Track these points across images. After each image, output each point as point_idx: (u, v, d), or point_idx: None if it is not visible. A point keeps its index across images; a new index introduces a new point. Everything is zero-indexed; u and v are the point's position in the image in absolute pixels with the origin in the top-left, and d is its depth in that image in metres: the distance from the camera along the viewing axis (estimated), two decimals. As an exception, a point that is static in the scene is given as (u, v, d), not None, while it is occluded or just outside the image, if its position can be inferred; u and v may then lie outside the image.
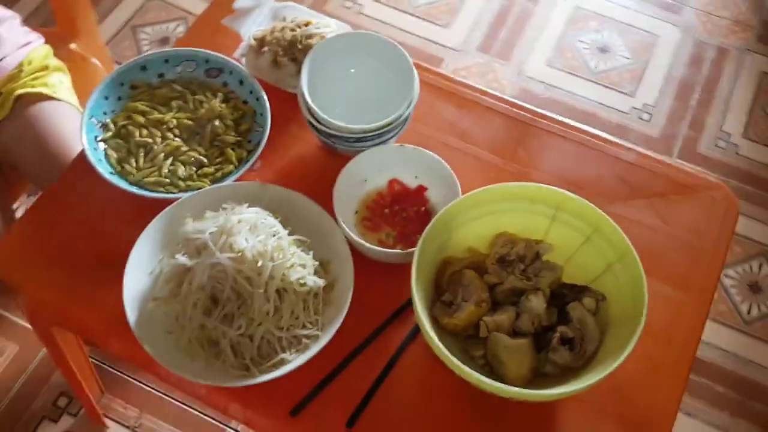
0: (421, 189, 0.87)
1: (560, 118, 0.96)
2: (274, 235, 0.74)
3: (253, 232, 0.73)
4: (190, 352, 0.73)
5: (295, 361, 0.72)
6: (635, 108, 1.74)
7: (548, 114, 0.96)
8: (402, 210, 0.86)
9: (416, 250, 0.72)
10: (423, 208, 0.86)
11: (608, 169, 0.91)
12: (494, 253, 0.80)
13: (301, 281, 0.74)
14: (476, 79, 1.77)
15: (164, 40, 1.83)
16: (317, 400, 0.74)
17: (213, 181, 0.85)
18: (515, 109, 0.97)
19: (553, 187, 0.77)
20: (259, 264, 0.71)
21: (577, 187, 0.89)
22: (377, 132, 0.83)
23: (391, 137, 0.86)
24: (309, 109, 0.85)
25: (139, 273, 0.77)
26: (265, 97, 0.89)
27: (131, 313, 0.74)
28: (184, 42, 1.00)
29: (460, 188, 0.82)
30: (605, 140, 0.93)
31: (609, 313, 0.75)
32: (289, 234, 0.76)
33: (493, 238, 0.81)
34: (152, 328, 0.74)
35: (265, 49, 0.92)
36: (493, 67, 1.80)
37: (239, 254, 0.71)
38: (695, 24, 1.89)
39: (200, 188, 0.83)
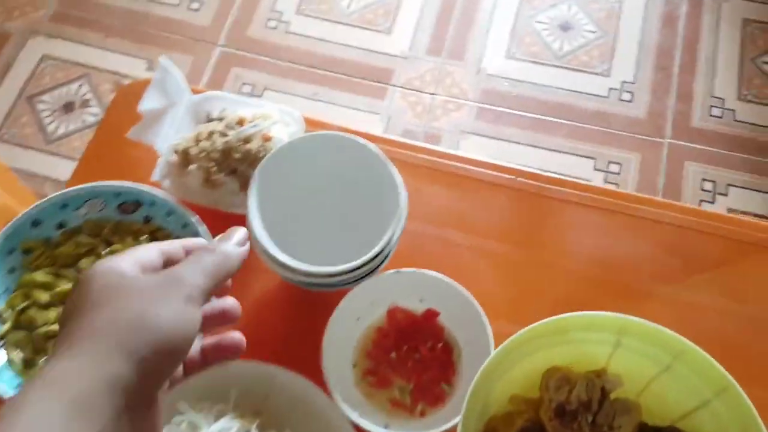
0: (431, 315, 0.67)
1: (575, 180, 0.76)
2: None
3: None
4: None
5: None
6: (613, 89, 1.56)
7: (555, 177, 0.76)
8: (413, 350, 0.66)
9: (461, 418, 0.53)
10: (439, 342, 0.66)
11: (650, 238, 0.71)
12: (548, 401, 0.60)
13: None
14: (433, 87, 1.56)
15: (68, 106, 1.56)
16: None
17: None
18: (521, 179, 0.76)
19: (613, 314, 0.57)
20: None
21: (616, 269, 0.71)
22: (361, 268, 0.62)
23: (380, 265, 0.66)
24: (267, 254, 0.63)
25: None
26: (206, 230, 0.67)
27: None
28: (81, 172, 0.77)
29: (484, 315, 0.62)
30: (637, 199, 0.74)
31: (715, 460, 0.57)
32: None
33: (543, 378, 0.61)
34: None
35: (193, 166, 0.69)
36: (448, 71, 1.59)
37: None
38: (657, -23, 1.71)
39: None
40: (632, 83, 1.56)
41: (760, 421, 0.53)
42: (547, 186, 0.76)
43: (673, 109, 1.53)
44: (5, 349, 0.65)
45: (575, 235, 0.73)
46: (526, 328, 0.58)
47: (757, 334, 0.66)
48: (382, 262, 0.65)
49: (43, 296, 0.66)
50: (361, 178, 0.68)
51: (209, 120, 0.74)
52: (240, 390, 0.60)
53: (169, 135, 0.72)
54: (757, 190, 1.42)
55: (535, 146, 1.50)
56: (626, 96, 1.54)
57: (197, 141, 0.70)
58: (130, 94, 0.78)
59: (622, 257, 0.71)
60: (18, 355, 0.64)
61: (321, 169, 0.69)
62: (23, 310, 0.66)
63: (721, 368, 0.55)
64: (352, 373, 0.65)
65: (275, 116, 0.72)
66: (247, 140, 0.69)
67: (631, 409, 0.60)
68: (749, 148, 1.47)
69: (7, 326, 0.66)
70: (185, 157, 0.70)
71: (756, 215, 1.39)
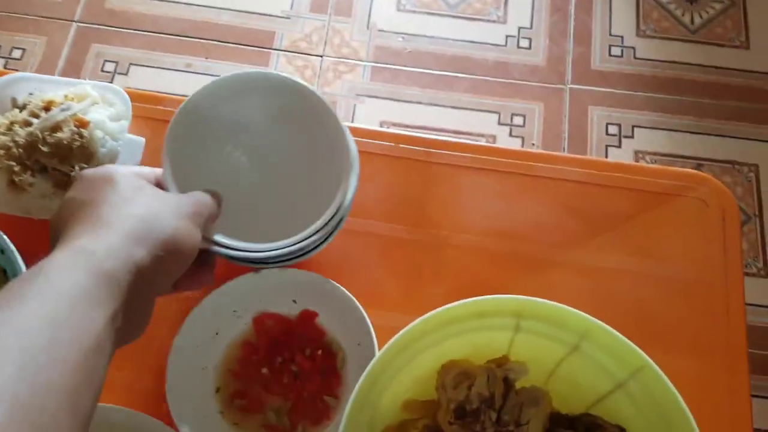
0: (307, 317, 0.56)
1: (467, 141, 0.67)
2: None
3: None
4: None
5: None
6: (510, 36, 1.47)
7: (447, 140, 0.66)
8: (289, 361, 0.56)
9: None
10: (319, 346, 0.56)
11: (554, 199, 0.63)
12: (446, 402, 0.51)
13: None
14: (322, 49, 1.44)
15: None
16: None
17: None
18: (403, 145, 0.66)
19: (508, 297, 0.48)
20: None
21: (521, 239, 0.62)
22: (301, 244, 0.51)
23: (328, 237, 0.54)
24: None
25: None
26: (11, 247, 0.54)
27: None
28: None
29: (363, 312, 0.52)
30: (536, 156, 0.65)
31: (636, 446, 0.50)
32: None
33: (439, 376, 0.52)
34: None
35: (-10, 167, 0.56)
36: (336, 29, 1.47)
37: None
38: None
39: None
40: (529, 29, 1.48)
41: (680, 399, 0.45)
42: (434, 151, 0.66)
43: (572, 52, 1.46)
44: None
45: (470, 205, 0.63)
46: (411, 325, 0.48)
47: (673, 293, 0.59)
48: (332, 233, 0.54)
49: None
50: (300, 130, 0.55)
51: (14, 108, 0.60)
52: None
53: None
54: (662, 129, 1.38)
55: (436, 104, 1.41)
56: (524, 43, 1.47)
57: (-5, 134, 0.56)
58: None
59: (523, 224, 0.63)
60: None
61: (248, 122, 0.56)
62: None
63: (634, 346, 0.47)
64: (216, 399, 0.54)
65: (93, 96, 0.59)
66: (56, 128, 0.56)
67: (540, 399, 0.52)
68: (651, 86, 1.42)
69: None
70: (-19, 157, 0.56)
71: (663, 154, 1.35)
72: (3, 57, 1.39)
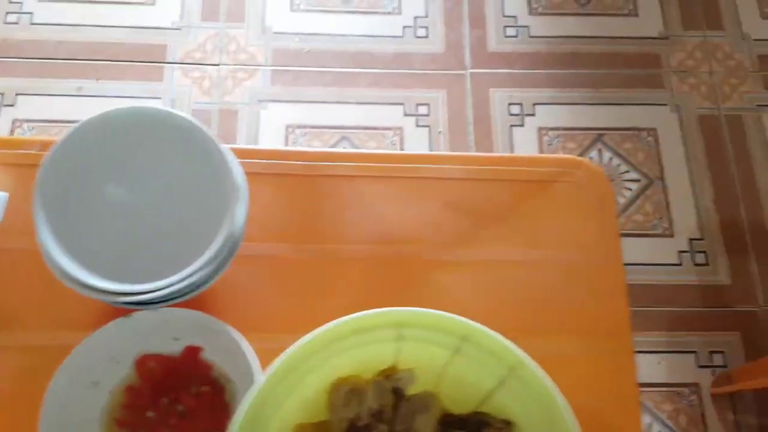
0: (191, 353, 0.55)
1: (354, 151, 0.66)
2: None
3: None
4: None
5: None
6: (407, 26, 1.47)
7: (330, 151, 0.66)
8: (175, 401, 0.54)
9: None
10: (208, 382, 0.55)
11: (434, 200, 0.63)
12: (338, 422, 0.51)
13: None
14: (217, 57, 1.41)
15: None
16: None
17: None
18: (275, 160, 0.65)
19: (386, 310, 0.48)
20: None
21: (408, 243, 0.62)
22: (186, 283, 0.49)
23: (225, 257, 0.52)
24: (59, 270, 0.48)
25: None
26: None
27: None
28: None
29: (241, 339, 0.51)
30: (417, 158, 0.65)
31: (525, 437, 0.51)
32: None
33: (329, 396, 0.52)
34: None
35: None
36: (231, 36, 1.44)
37: None
38: None
39: None
40: (425, 17, 1.48)
41: (554, 393, 0.46)
42: (316, 163, 0.65)
43: (469, 36, 1.47)
44: None
45: (356, 215, 0.63)
46: (292, 349, 0.48)
47: (558, 277, 0.61)
48: (224, 264, 0.52)
49: None
50: (182, 162, 0.53)
51: None
52: None
53: None
54: (562, 104, 1.41)
55: (341, 102, 1.40)
56: (421, 32, 1.47)
57: None
58: None
59: (410, 228, 0.63)
60: None
61: (126, 159, 0.53)
62: None
63: (509, 344, 0.48)
64: (104, 448, 0.53)
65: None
66: None
67: (430, 404, 0.52)
68: (548, 63, 1.45)
69: None
70: None
71: (565, 128, 1.38)
72: None
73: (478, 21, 1.49)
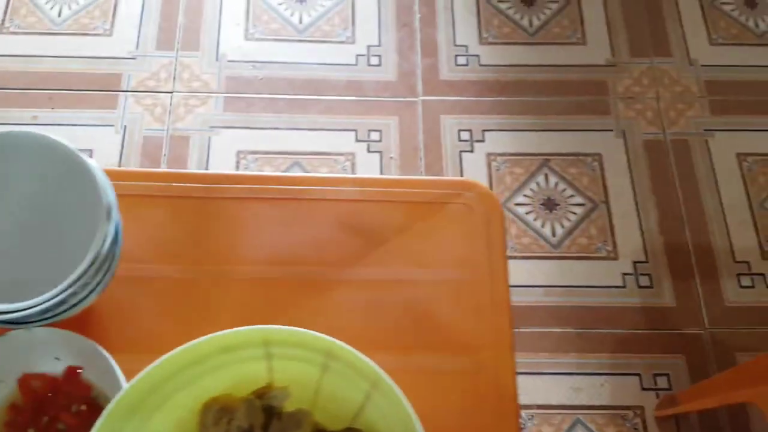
0: (72, 372, 0.56)
1: (246, 173, 0.68)
2: None
3: None
4: None
5: None
6: (360, 55, 1.50)
7: (228, 173, 0.67)
8: (55, 420, 0.55)
9: None
10: (88, 402, 0.55)
11: (327, 219, 0.64)
12: (209, 439, 0.52)
13: None
14: (171, 84, 1.43)
15: None
16: None
17: None
18: (177, 183, 0.66)
19: (250, 328, 0.49)
20: None
21: (299, 264, 0.63)
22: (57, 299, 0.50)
23: (104, 276, 0.53)
24: None
25: None
26: None
27: None
28: None
29: (114, 364, 0.52)
30: (313, 180, 0.67)
31: (396, 454, 0.52)
32: None
33: (200, 416, 0.53)
34: None
35: None
36: (184, 64, 1.46)
37: None
38: (387, -67, 1.66)
39: None
40: (378, 46, 1.51)
41: (409, 411, 0.47)
42: (211, 186, 0.66)
43: (421, 65, 1.50)
44: None
45: (250, 236, 0.64)
46: (150, 366, 0.48)
47: (446, 295, 0.62)
48: (99, 283, 0.53)
49: None
50: (55, 185, 0.55)
51: None
52: None
53: None
54: (510, 130, 1.43)
55: (293, 128, 1.42)
56: (374, 60, 1.50)
57: None
58: None
59: (303, 248, 0.64)
60: None
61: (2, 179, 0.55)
62: None
63: (368, 361, 0.49)
64: (-17, 467, 0.53)
65: None
66: None
67: (301, 421, 0.53)
68: (498, 90, 1.47)
69: None
70: None
71: (512, 154, 1.40)
72: None
73: (430, 50, 1.52)
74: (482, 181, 1.37)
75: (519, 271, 1.30)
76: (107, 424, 0.46)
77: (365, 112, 1.44)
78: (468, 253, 0.63)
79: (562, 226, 1.35)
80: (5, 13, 1.46)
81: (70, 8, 1.50)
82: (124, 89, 1.42)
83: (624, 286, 1.29)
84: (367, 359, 0.49)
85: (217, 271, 0.62)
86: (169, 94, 1.43)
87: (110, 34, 1.48)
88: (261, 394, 0.53)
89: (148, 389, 0.49)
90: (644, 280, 1.29)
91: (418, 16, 1.56)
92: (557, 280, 1.30)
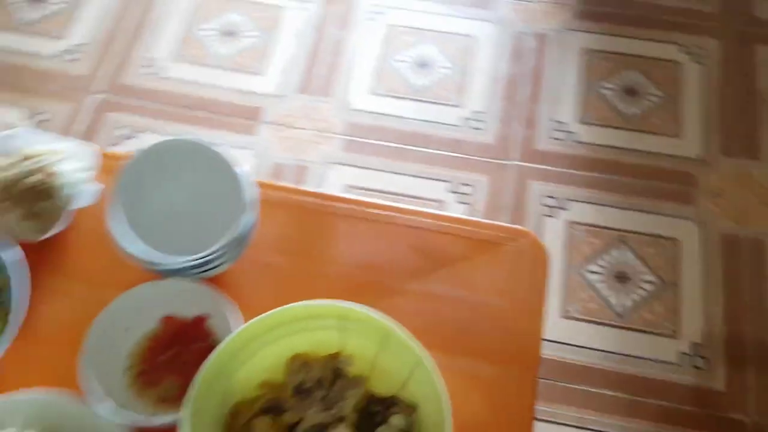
0: (200, 320, 0.75)
1: (350, 196, 0.86)
2: None
3: None
4: None
5: None
6: (466, 118, 1.69)
7: (335, 195, 0.86)
8: (183, 351, 0.74)
9: (183, 414, 0.61)
10: (207, 343, 0.74)
11: (404, 242, 0.81)
12: (289, 382, 0.69)
13: None
14: (303, 122, 1.67)
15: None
16: None
17: None
18: (300, 197, 0.86)
19: (330, 302, 0.66)
20: None
21: (376, 270, 0.80)
22: (209, 257, 0.70)
23: (231, 256, 0.74)
24: (121, 247, 0.71)
25: None
26: (5, 245, 0.74)
27: None
28: None
29: (237, 317, 0.71)
30: (399, 209, 0.84)
31: (423, 422, 0.66)
32: None
33: (287, 364, 0.70)
34: None
35: (-23, 196, 0.77)
36: (317, 107, 1.70)
37: None
38: (510, 16, 1.86)
39: None
40: (483, 113, 1.69)
41: (439, 388, 0.61)
42: (324, 202, 0.85)
43: (520, 134, 1.66)
44: None
45: (345, 244, 0.82)
46: (252, 321, 0.66)
47: (483, 316, 0.76)
48: (239, 249, 0.73)
49: None
50: (211, 179, 0.76)
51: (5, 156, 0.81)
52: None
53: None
54: (594, 203, 1.55)
55: (395, 172, 1.61)
56: (477, 124, 1.67)
57: (-14, 175, 0.78)
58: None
59: (381, 261, 0.81)
60: None
61: (176, 173, 0.77)
62: None
63: (414, 346, 0.64)
64: (125, 377, 0.72)
65: (66, 152, 0.81)
66: (28, 174, 0.77)
67: (358, 383, 0.69)
68: (588, 166, 1.60)
69: None
70: (-26, 189, 0.77)
71: (592, 225, 1.52)
72: (38, 118, 1.66)
73: (530, 122, 1.68)
74: (559, 246, 1.50)
75: (581, 332, 1.41)
76: (216, 361, 0.64)
77: (460, 168, 1.61)
78: (512, 288, 0.78)
79: (630, 299, 1.44)
80: (374, 78, 1.73)
81: (230, 48, 1.79)
82: (264, 121, 1.68)
83: (679, 364, 1.36)
84: (414, 344, 0.64)
85: (315, 265, 0.80)
86: (300, 130, 1.67)
87: (260, 74, 1.75)
88: (332, 357, 0.70)
89: (249, 338, 0.66)
90: (699, 362, 1.36)
91: (525, 91, 1.73)
92: (616, 347, 1.39)
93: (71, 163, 0.80)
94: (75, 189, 0.79)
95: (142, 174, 0.76)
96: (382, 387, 0.70)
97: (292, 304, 0.67)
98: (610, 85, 1.72)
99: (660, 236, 1.51)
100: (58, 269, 0.80)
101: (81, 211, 0.82)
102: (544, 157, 1.62)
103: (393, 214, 0.83)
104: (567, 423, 1.32)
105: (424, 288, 0.78)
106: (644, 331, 1.40)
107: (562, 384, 1.35)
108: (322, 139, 1.66)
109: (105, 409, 0.66)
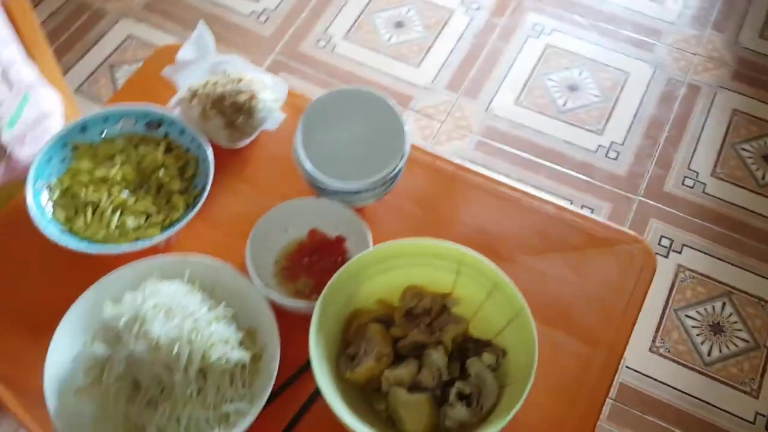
0: (340, 240, 0.89)
1: (485, 171, 0.98)
2: (190, 316, 0.74)
3: (169, 316, 0.73)
4: (118, 441, 0.73)
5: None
6: (602, 146, 1.75)
7: (470, 167, 0.97)
8: (320, 260, 0.88)
9: (317, 303, 0.74)
10: (341, 259, 0.88)
11: (526, 221, 0.92)
12: (403, 306, 0.81)
13: (224, 358, 0.74)
14: (444, 117, 1.80)
15: (143, 79, 1.88)
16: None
17: (163, 229, 0.88)
18: (438, 162, 0.98)
19: (454, 245, 0.78)
20: (175, 350, 0.71)
21: (494, 238, 0.90)
22: (367, 187, 0.85)
23: (380, 192, 0.88)
24: (300, 160, 0.87)
25: (62, 359, 0.76)
26: (207, 144, 0.92)
27: (52, 401, 0.73)
28: (126, 91, 1.04)
29: (371, 241, 0.84)
30: (525, 193, 0.94)
31: (510, 367, 0.76)
32: (212, 307, 0.77)
33: (403, 291, 0.82)
34: (77, 419, 0.73)
35: (195, 101, 0.95)
36: (460, 106, 1.83)
37: (154, 342, 0.71)
38: (668, 61, 1.90)
39: (151, 237, 0.86)
40: (620, 144, 1.75)
41: (535, 342, 0.71)
42: (460, 172, 0.97)
43: (651, 172, 1.70)
44: (53, 209, 0.89)
45: (471, 210, 0.94)
46: (384, 244, 0.78)
47: (585, 301, 0.85)
48: (387, 188, 0.88)
49: (84, 178, 0.91)
50: (378, 122, 0.90)
51: (223, 74, 0.99)
52: (188, 279, 0.81)
53: (189, 79, 0.99)
54: (706, 254, 1.57)
55: (521, 181, 1.70)
56: (612, 154, 1.73)
57: (205, 86, 0.96)
58: (163, 53, 1.06)
59: (501, 232, 0.91)
60: (61, 214, 0.89)
61: (350, 114, 0.92)
62: (69, 186, 0.91)
63: (519, 295, 0.74)
64: (273, 267, 0.88)
65: (267, 83, 0.98)
66: (237, 93, 0.94)
67: (460, 322, 0.80)
68: (710, 218, 1.62)
69: (56, 194, 0.91)
70: (193, 95, 0.96)
71: (701, 274, 1.54)
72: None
73: (664, 163, 1.72)
74: (664, 286, 1.54)
75: (665, 369, 1.44)
76: (348, 270, 0.77)
77: (585, 190, 1.68)
78: (617, 283, 0.86)
79: (720, 351, 1.46)
80: (522, 90, 1.88)
81: (398, 38, 1.95)
82: (412, 108, 1.82)
83: (753, 422, 1.36)
84: (517, 293, 0.75)
85: (442, 220, 0.92)
86: (440, 123, 1.80)
87: (418, 66, 1.90)
88: (443, 295, 0.82)
89: (377, 259, 0.79)
90: (778, 429, 1.36)
91: (665, 134, 1.77)
92: (696, 392, 1.41)
93: (268, 92, 0.97)
94: (268, 113, 0.96)
95: (324, 110, 0.90)
96: (479, 332, 0.80)
97: (419, 239, 0.79)
98: (749, 148, 1.73)
99: (765, 301, 1.51)
100: (237, 174, 0.96)
101: (264, 133, 0.98)
102: (670, 199, 1.66)
103: (520, 196, 0.94)
104: (632, 449, 1.36)
105: (534, 264, 0.88)
106: (727, 384, 1.41)
107: (637, 412, 1.39)
108: (458, 135, 1.78)
109: (258, 283, 0.81)
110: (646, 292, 0.86)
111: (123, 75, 1.89)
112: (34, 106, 1.09)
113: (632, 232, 0.91)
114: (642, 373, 1.44)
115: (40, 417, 0.75)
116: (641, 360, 1.45)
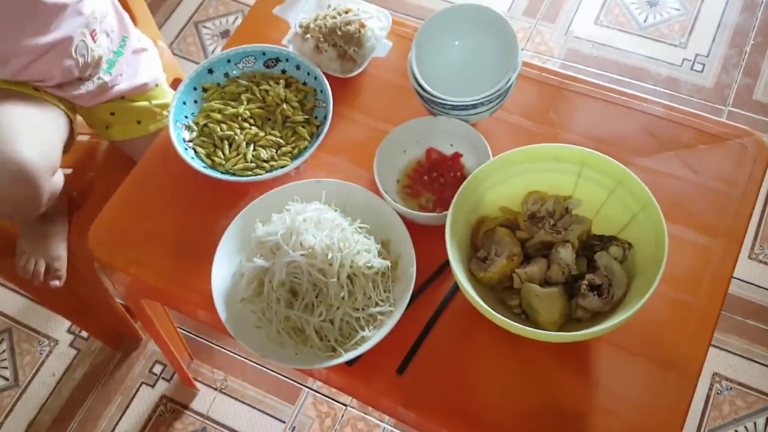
0: (456, 156, 0.94)
1: (588, 78, 1.00)
2: (337, 227, 0.81)
3: (318, 227, 0.80)
4: (280, 342, 0.81)
5: (374, 337, 0.79)
6: (687, 59, 1.72)
7: (576, 76, 1.00)
8: (440, 176, 0.93)
9: (449, 211, 0.80)
10: (459, 174, 0.93)
11: (636, 124, 0.94)
12: (525, 210, 0.86)
13: (368, 265, 0.81)
14: (523, 44, 1.80)
15: (225, 33, 1.95)
16: (371, 351, 0.81)
17: (292, 158, 0.94)
18: (545, 74, 1.01)
19: (576, 146, 0.82)
20: (329, 256, 0.78)
21: (606, 143, 0.94)
22: (483, 99, 0.88)
23: (494, 105, 0.91)
24: (415, 79, 0.91)
25: (223, 273, 0.85)
26: (323, 75, 0.98)
27: (222, 313, 0.82)
28: (238, 35, 1.10)
29: (491, 153, 0.88)
30: (632, 96, 0.97)
31: (636, 259, 0.80)
32: (350, 223, 0.84)
33: (524, 197, 0.87)
34: (243, 324, 0.82)
35: (308, 36, 1.00)
36: (539, 31, 1.82)
37: (310, 250, 0.78)
38: (750, -33, 1.84)
39: (283, 166, 0.93)
40: (705, 56, 1.72)
41: (665, 229, 0.75)
42: (566, 81, 1.00)
43: (739, 82, 1.67)
44: (194, 148, 0.97)
45: (580, 117, 0.97)
46: (509, 151, 0.83)
47: (701, 195, 0.88)
48: (501, 100, 0.91)
49: (217, 116, 0.98)
50: (490, 39, 0.94)
51: (328, 8, 1.04)
52: (324, 201, 0.87)
53: (299, 16, 1.04)
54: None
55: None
56: (698, 67, 1.71)
57: (315, 20, 1.01)
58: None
59: (612, 136, 0.95)
60: (201, 151, 0.97)
61: (462, 31, 0.95)
62: (205, 125, 0.99)
63: (645, 187, 0.78)
64: (396, 185, 0.94)
65: (372, 12, 1.02)
66: (347, 23, 0.99)
67: (584, 221, 0.84)
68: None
69: (194, 134, 0.98)
70: (305, 30, 1.01)
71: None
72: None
73: (752, 72, 1.68)
74: (763, 190, 1.53)
75: (764, 275, 1.45)
76: (472, 180, 0.82)
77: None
78: (731, 176, 0.88)
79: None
80: (601, 9, 1.85)
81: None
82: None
83: None
84: (643, 185, 0.78)
85: (553, 130, 0.96)
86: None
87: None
88: (564, 198, 0.86)
89: (498, 167, 0.83)
90: None
91: (751, 42, 1.72)
92: None
93: (374, 21, 1.01)
94: (376, 42, 1.00)
95: (436, 29, 0.94)
96: (600, 230, 0.84)
97: (539, 144, 0.83)
98: None
99: None
100: (352, 103, 1.02)
101: (373, 62, 1.03)
102: (761, 107, 1.63)
103: (628, 99, 0.96)
104: (735, 352, 1.39)
105: (648, 164, 0.91)
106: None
107: (738, 317, 1.42)
108: (540, 61, 1.78)
109: (389, 199, 0.87)
110: (761, 183, 0.88)
111: (209, 31, 1.96)
112: (130, 46, 1.17)
113: (744, 126, 0.92)
114: (742, 280, 1.45)
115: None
116: (740, 267, 1.46)
